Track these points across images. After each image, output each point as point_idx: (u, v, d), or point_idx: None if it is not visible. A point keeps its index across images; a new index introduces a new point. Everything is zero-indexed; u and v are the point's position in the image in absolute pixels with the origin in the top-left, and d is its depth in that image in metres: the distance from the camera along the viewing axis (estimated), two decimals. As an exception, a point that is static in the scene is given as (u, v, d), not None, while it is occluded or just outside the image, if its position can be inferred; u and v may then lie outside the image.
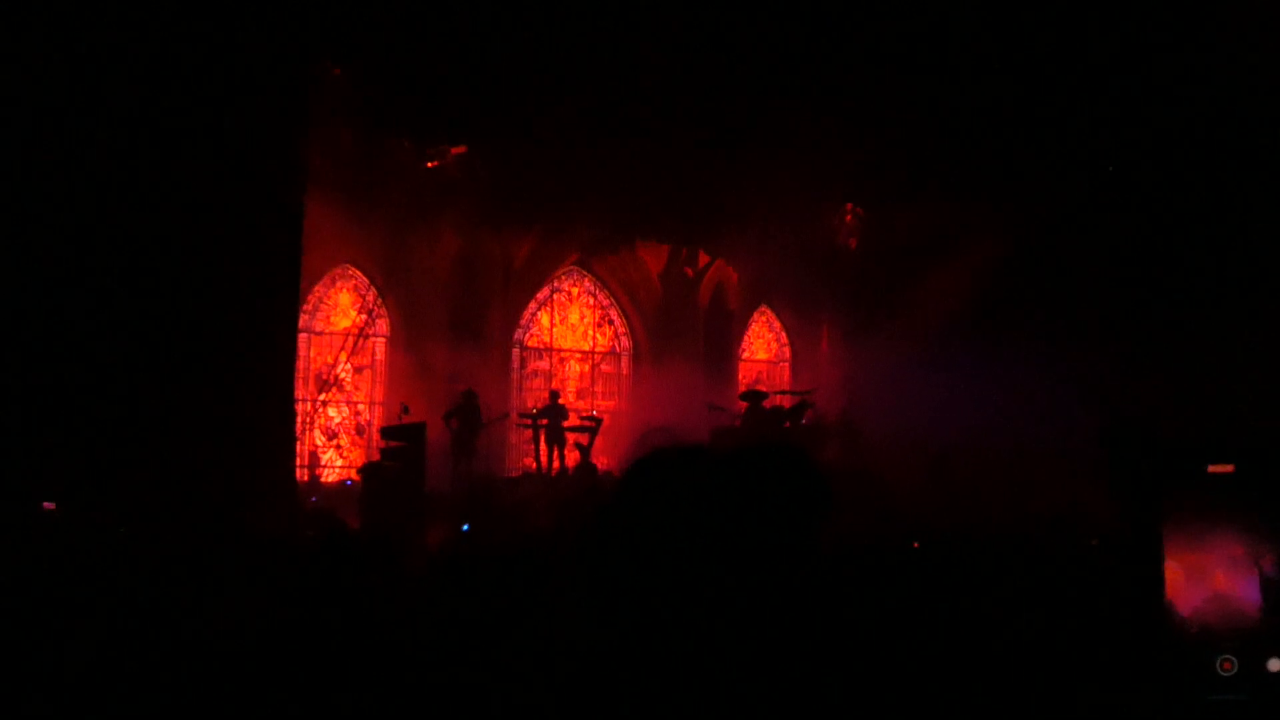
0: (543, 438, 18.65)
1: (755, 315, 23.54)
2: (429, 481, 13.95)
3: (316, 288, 19.46)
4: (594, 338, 22.26)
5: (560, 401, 19.18)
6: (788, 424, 18.32)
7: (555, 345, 21.87)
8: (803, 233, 20.94)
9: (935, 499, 13.99)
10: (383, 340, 20.02)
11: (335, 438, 19.63)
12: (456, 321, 19.42)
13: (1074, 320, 17.00)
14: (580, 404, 21.56)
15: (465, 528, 8.50)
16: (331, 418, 19.60)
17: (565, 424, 18.80)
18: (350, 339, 19.06)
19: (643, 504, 1.44)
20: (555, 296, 22.01)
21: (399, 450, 14.26)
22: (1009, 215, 18.35)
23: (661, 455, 1.54)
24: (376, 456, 16.60)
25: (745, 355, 23.38)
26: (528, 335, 21.55)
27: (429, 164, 18.28)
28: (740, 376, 22.93)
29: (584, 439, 18.71)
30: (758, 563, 1.38)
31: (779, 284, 22.31)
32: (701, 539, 1.39)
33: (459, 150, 18.18)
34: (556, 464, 18.34)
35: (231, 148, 11.56)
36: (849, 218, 21.76)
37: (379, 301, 19.57)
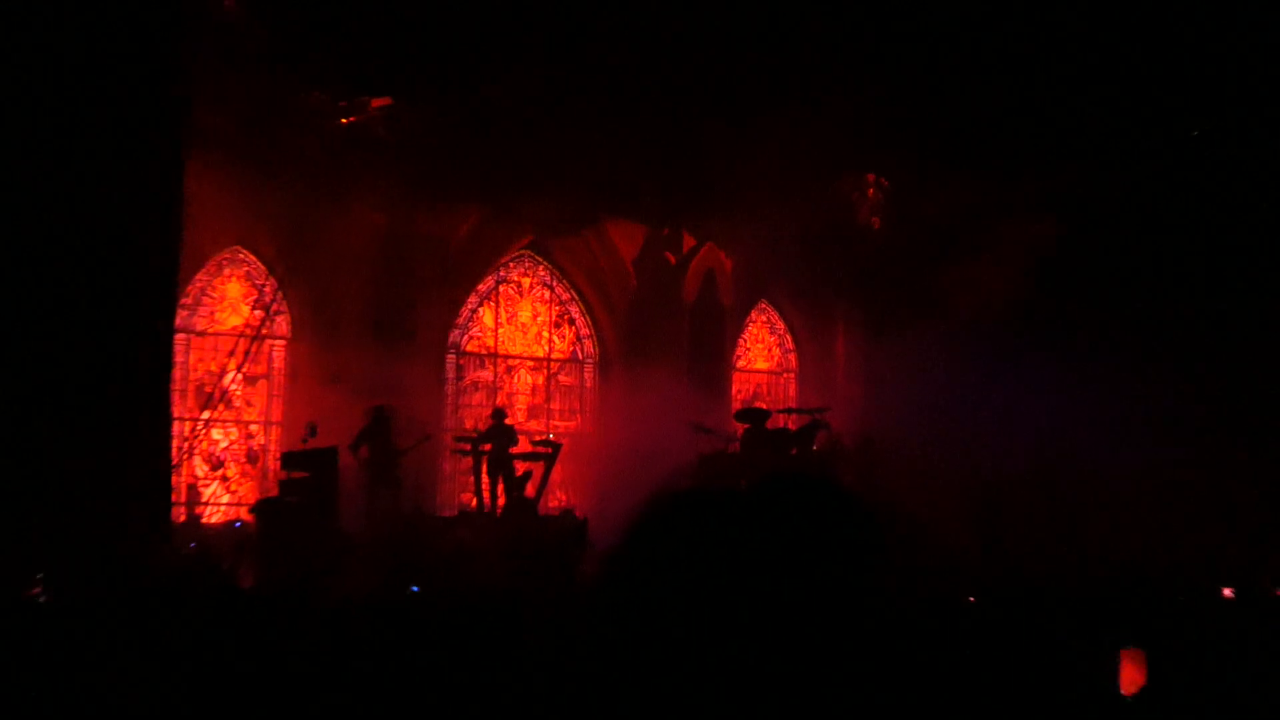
0: (484, 467, 18.68)
1: (754, 314, 23.73)
2: (343, 521, 14.04)
3: (198, 276, 19.39)
4: (550, 341, 22.36)
5: (508, 422, 19.23)
6: (795, 450, 18.33)
7: (501, 350, 21.94)
8: (814, 210, 21.06)
9: (984, 547, 14.05)
10: (282, 343, 20.06)
11: (221, 467, 19.64)
12: (377, 320, 19.47)
13: (1157, 324, 17.10)
14: (533, 425, 21.61)
15: (415, 589, 8.42)
16: (216, 441, 19.61)
17: (513, 450, 18.83)
18: (242, 342, 19.04)
19: (663, 563, 1.48)
20: (502, 289, 22.09)
21: (303, 482, 14.41)
22: (1065, 189, 18.51)
23: (684, 498, 1.55)
24: (274, 491, 16.61)
25: (741, 364, 23.55)
26: (467, 338, 21.64)
27: (344, 120, 18.24)
28: (735, 390, 23.08)
29: (536, 469, 18.71)
30: (806, 632, 1.43)
31: (783, 274, 22.48)
32: (739, 608, 1.43)
33: (382, 103, 18.14)
34: (501, 500, 18.40)
35: (89, 96, 11.39)
36: (871, 191, 21.95)
37: (278, 294, 19.58)
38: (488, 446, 18.61)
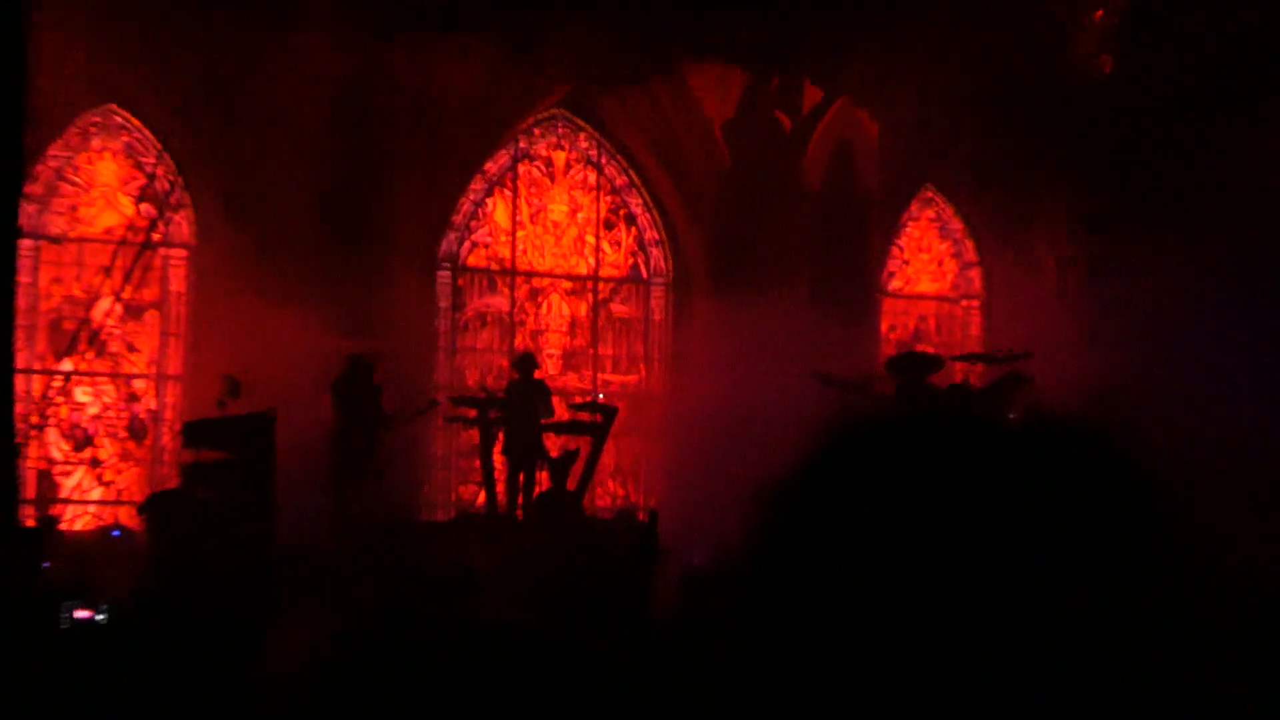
0: (499, 445, 18.81)
1: (915, 208, 23.88)
2: (282, 529, 14.17)
3: (52, 150, 19.44)
4: (598, 251, 22.51)
5: (537, 375, 19.26)
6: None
7: (522, 265, 22.09)
8: (1010, 46, 21.04)
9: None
10: (182, 254, 20.23)
11: (90, 445, 19.85)
12: (331, 217, 19.50)
13: None
14: (571, 380, 21.74)
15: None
16: (83, 405, 19.81)
17: (545, 420, 18.88)
18: (122, 253, 19.23)
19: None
20: (523, 169, 22.23)
21: (218, 467, 14.54)
22: None
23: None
24: (173, 481, 16.81)
25: (897, 285, 23.75)
26: (468, 245, 21.81)
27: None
28: (887, 327, 23.30)
29: (579, 446, 18.83)
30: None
31: (960, 147, 22.44)
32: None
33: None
34: (522, 494, 18.58)
35: None
36: (1100, 14, 21.90)
37: (176, 179, 19.72)
38: (495, 414, 18.83)
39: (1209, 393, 18.56)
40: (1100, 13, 22.02)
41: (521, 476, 18.64)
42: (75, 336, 19.26)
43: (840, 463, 1.64)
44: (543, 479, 18.69)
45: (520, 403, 18.67)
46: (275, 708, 5.70)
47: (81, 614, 9.78)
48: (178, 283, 20.24)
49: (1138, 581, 1.58)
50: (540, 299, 22.21)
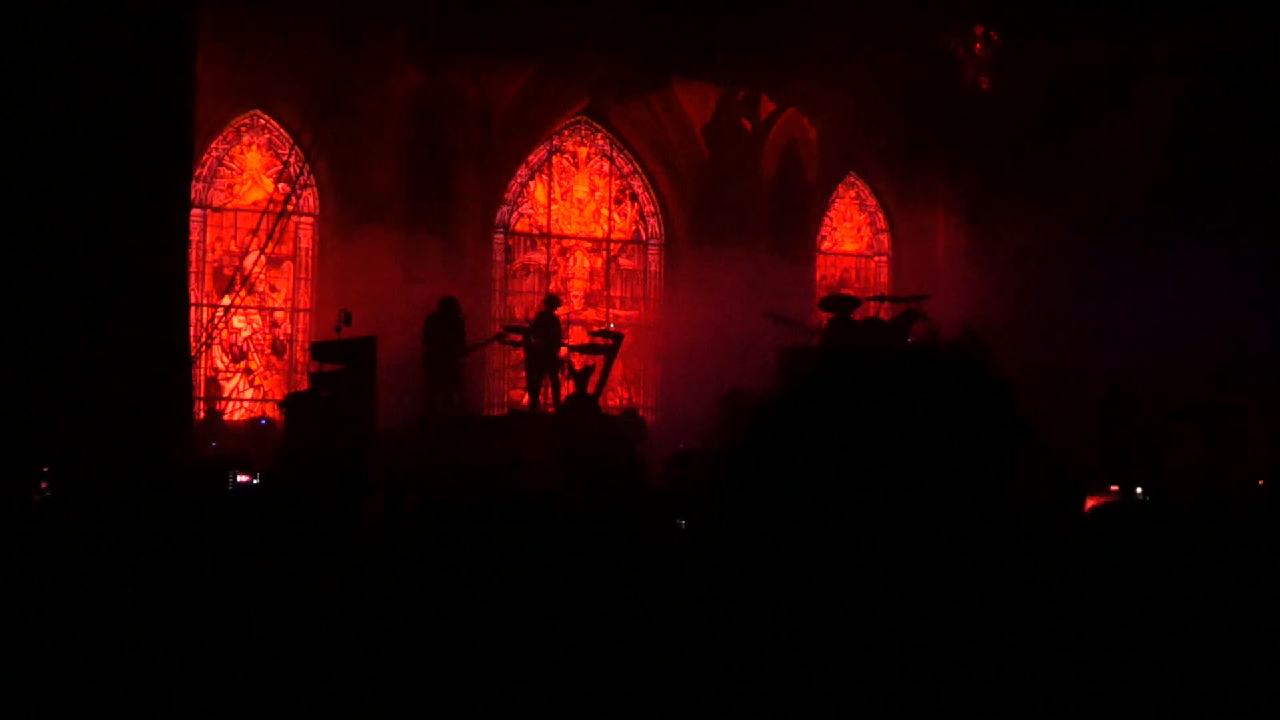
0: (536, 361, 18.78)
1: (841, 189, 23.59)
2: (382, 419, 14.14)
3: (214, 144, 19.51)
4: (610, 220, 22.35)
5: (559, 312, 19.22)
6: (886, 344, 18.19)
7: (555, 230, 21.97)
8: (912, 69, 20.82)
9: (1107, 455, 14.00)
10: (309, 221, 20.19)
11: (244, 359, 19.86)
12: (415, 195, 19.51)
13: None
14: (590, 314, 21.70)
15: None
16: (238, 330, 19.81)
17: (566, 342, 18.93)
18: (265, 219, 19.07)
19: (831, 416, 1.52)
20: (555, 160, 22.05)
21: (337, 376, 14.38)
22: (1209, 44, 18.07)
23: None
24: (304, 385, 16.78)
25: (827, 246, 23.50)
26: (516, 215, 21.68)
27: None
28: (820, 276, 23.05)
29: (596, 362, 18.79)
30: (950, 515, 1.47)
31: (876, 143, 22.29)
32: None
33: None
34: (552, 397, 18.54)
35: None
36: (979, 46, 21.63)
37: (305, 165, 19.58)
38: (533, 340, 18.66)
39: (1060, 328, 18.36)
40: (979, 45, 21.68)
41: (548, 381, 18.54)
42: (232, 279, 19.18)
43: (788, 385, 1.59)
44: (570, 386, 18.69)
45: (544, 331, 18.56)
46: (369, 547, 6.19)
47: (242, 478, 9.86)
48: (306, 241, 20.27)
49: (1002, 476, 1.51)
50: (568, 255, 22.11)
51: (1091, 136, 19.47)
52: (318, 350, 15.83)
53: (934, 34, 21.03)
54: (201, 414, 17.87)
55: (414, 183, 19.62)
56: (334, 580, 4.04)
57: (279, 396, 18.07)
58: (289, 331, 20.11)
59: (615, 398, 20.92)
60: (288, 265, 20.23)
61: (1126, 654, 2.44)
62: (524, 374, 19.21)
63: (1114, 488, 12.19)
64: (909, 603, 1.44)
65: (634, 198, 22.51)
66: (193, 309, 16.38)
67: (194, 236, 17.13)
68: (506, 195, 21.47)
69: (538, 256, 21.82)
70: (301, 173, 19.59)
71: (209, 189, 19.52)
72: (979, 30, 21.40)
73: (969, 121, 21.63)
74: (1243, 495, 9.75)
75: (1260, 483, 10.60)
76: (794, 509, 1.48)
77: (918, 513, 1.45)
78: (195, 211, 17.51)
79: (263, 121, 19.93)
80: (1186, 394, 16.52)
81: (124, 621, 3.55)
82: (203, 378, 18.75)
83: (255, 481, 9.74)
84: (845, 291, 21.60)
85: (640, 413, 20.11)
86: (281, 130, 19.88)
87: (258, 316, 20.06)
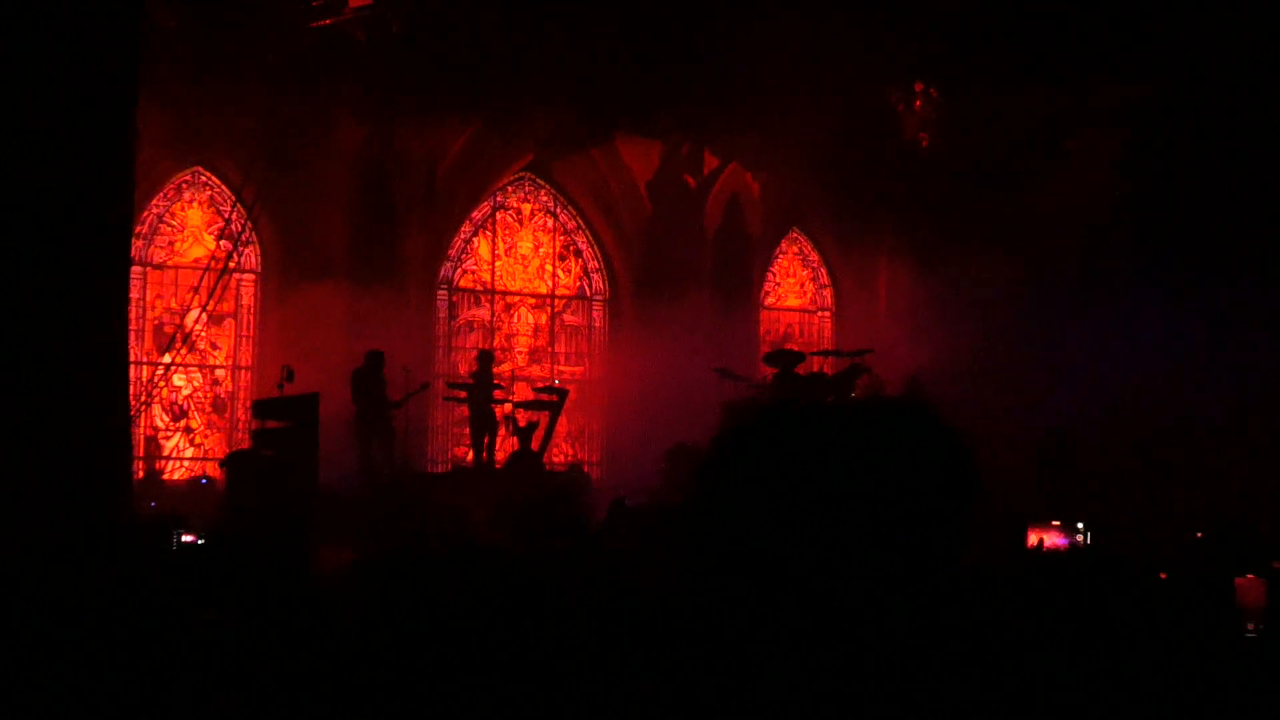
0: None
1: (785, 244, 23.69)
2: (324, 476, 14.03)
3: (155, 201, 19.43)
4: (554, 276, 22.38)
5: (496, 369, 19.42)
6: (832, 398, 18.31)
7: (499, 286, 21.95)
8: (853, 124, 20.91)
9: (1048, 497, 14.13)
10: (251, 278, 20.11)
11: (185, 417, 19.73)
12: (358, 250, 19.55)
13: (1259, 254, 16.97)
14: (535, 370, 21.67)
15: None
16: (179, 388, 19.70)
17: (506, 397, 19.08)
18: (206, 276, 19.03)
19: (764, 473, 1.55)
20: (499, 216, 22.08)
21: (279, 433, 14.38)
22: (1143, 98, 18.34)
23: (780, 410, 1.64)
24: (246, 443, 16.77)
25: (770, 301, 23.56)
26: (460, 272, 21.69)
27: (316, 22, 18.14)
28: (764, 331, 23.10)
29: (540, 418, 18.79)
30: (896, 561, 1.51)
31: (818, 199, 22.32)
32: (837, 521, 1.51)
33: (361, 2, 18.06)
34: (490, 454, 18.64)
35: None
36: (918, 103, 21.81)
37: (246, 222, 19.55)
38: (461, 394, 18.92)
39: (1003, 377, 18.38)
40: (919, 103, 21.89)
41: (486, 438, 18.63)
42: (173, 337, 19.10)
43: (733, 437, 1.60)
44: (514, 442, 18.65)
45: (478, 386, 18.76)
46: (320, 605, 6.14)
47: (187, 538, 9.75)
48: (248, 298, 20.16)
49: (952, 524, 1.54)
50: (512, 311, 22.07)
51: (1031, 189, 19.67)
52: (259, 408, 15.78)
53: (874, 90, 21.13)
54: (141, 473, 17.71)
55: (357, 238, 19.63)
56: (282, 638, 4.04)
57: (220, 455, 17.95)
58: (230, 389, 19.97)
59: (560, 454, 20.89)
60: (229, 322, 20.11)
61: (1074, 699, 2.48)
62: (468, 430, 19.21)
63: (1055, 522, 12.36)
64: (863, 651, 1.45)
65: (578, 253, 22.55)
66: (133, 367, 16.16)
67: (134, 294, 16.82)
68: (450, 251, 21.47)
69: (482, 313, 21.77)
70: (243, 229, 19.51)
71: (149, 246, 19.42)
72: (918, 87, 21.56)
73: (910, 176, 21.66)
74: (1182, 546, 9.92)
75: (1199, 535, 10.76)
76: (743, 562, 1.49)
77: (867, 564, 1.46)
78: (135, 269, 17.27)
79: (204, 178, 19.87)
80: (1130, 438, 16.72)
81: (71, 683, 3.50)
82: (142, 436, 18.60)
83: (200, 541, 9.66)
84: (789, 346, 21.74)
85: (585, 468, 20.14)
86: (223, 186, 19.80)
87: (199, 374, 19.94)
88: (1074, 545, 10.49)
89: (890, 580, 1.48)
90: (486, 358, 19.22)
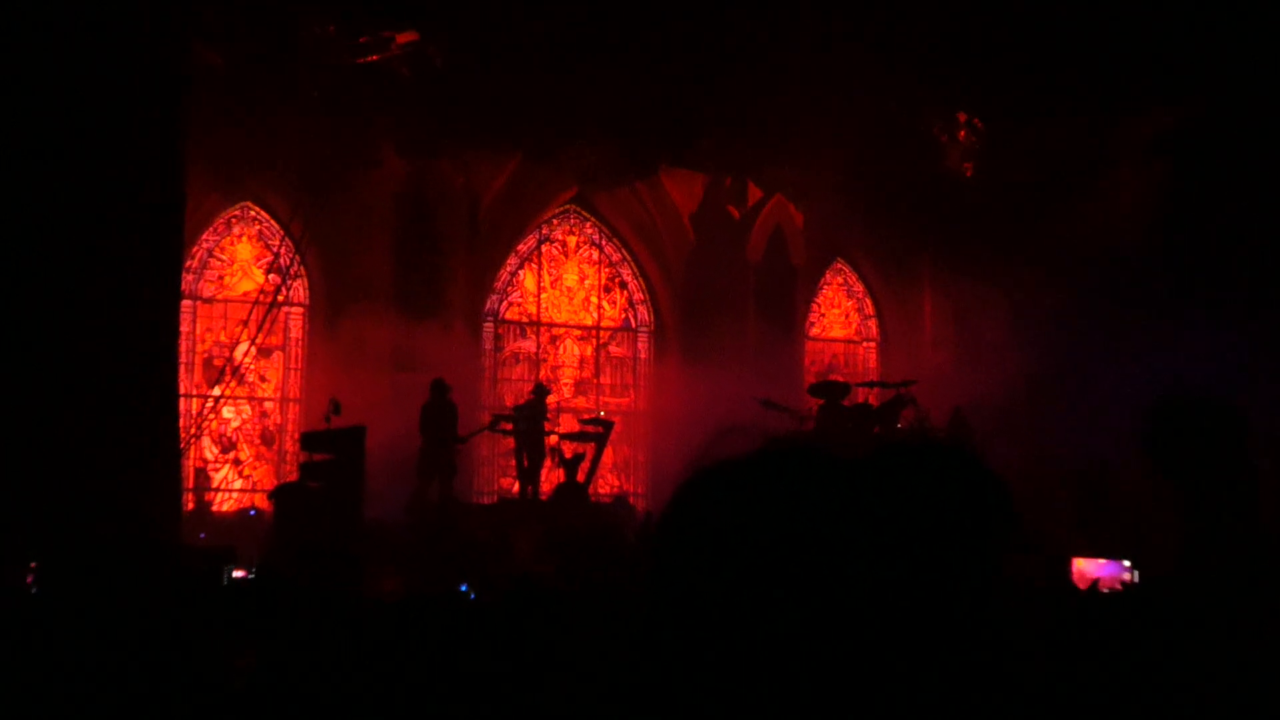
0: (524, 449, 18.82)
1: (829, 275, 23.69)
2: (370, 509, 14.04)
3: (204, 236, 19.61)
4: (599, 307, 22.42)
5: (549, 400, 19.31)
6: (877, 429, 18.24)
7: (545, 318, 21.98)
8: (897, 156, 20.84)
9: (1087, 528, 14.00)
10: (300, 311, 20.23)
11: (233, 449, 19.81)
12: (404, 284, 19.64)
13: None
14: (580, 401, 21.70)
15: (464, 588, 8.48)
16: (228, 421, 19.78)
17: (554, 429, 19.02)
18: (255, 309, 19.07)
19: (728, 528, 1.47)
20: (545, 249, 22.15)
21: (325, 465, 14.44)
22: (1184, 128, 18.21)
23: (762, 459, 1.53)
24: (293, 475, 16.82)
25: (815, 331, 23.54)
26: (506, 304, 21.74)
27: (363, 58, 18.23)
28: (809, 362, 23.06)
29: (586, 450, 18.80)
30: (920, 613, 1.44)
31: (862, 229, 22.29)
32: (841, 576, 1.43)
33: (407, 39, 18.11)
34: (539, 485, 18.59)
35: (76, 29, 11.40)
36: (962, 134, 21.77)
37: (295, 256, 19.66)
38: (508, 426, 18.88)
39: (1047, 406, 18.32)
40: (962, 133, 21.92)
41: (533, 471, 18.53)
42: (222, 370, 19.21)
43: (769, 469, 1.53)
44: (560, 474, 18.69)
45: (530, 418, 18.71)
46: (369, 631, 6.15)
47: (238, 574, 9.71)
48: (296, 331, 20.31)
49: (987, 555, 1.49)
50: (558, 343, 22.13)
51: (1073, 218, 19.47)
52: (307, 440, 15.85)
53: (918, 120, 21.09)
54: (191, 505, 17.81)
55: (403, 272, 19.74)
56: (331, 671, 4.04)
57: (268, 487, 18.04)
58: (279, 421, 20.07)
59: (606, 485, 20.92)
60: (278, 355, 20.25)
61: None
62: (514, 462, 19.21)
63: (1101, 560, 12.19)
64: (901, 696, 1.40)
65: (623, 285, 22.60)
66: (182, 400, 16.30)
67: (184, 328, 17.04)
68: (496, 284, 21.56)
69: (527, 345, 21.83)
70: (291, 263, 19.63)
71: (199, 280, 19.60)
72: (961, 118, 21.53)
73: (954, 208, 21.55)
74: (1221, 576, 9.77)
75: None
76: (776, 603, 1.43)
77: (908, 609, 1.41)
78: (185, 303, 17.54)
79: (253, 213, 20.04)
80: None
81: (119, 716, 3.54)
82: (192, 468, 18.71)
83: (250, 576, 9.65)
84: (834, 377, 21.66)
85: (631, 500, 20.10)
86: (271, 221, 19.96)
87: (247, 407, 20.04)
88: (1131, 586, 10.30)
89: (926, 630, 1.43)
90: (542, 390, 19.15)
